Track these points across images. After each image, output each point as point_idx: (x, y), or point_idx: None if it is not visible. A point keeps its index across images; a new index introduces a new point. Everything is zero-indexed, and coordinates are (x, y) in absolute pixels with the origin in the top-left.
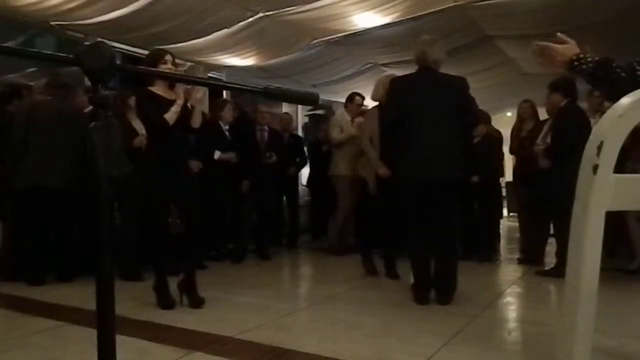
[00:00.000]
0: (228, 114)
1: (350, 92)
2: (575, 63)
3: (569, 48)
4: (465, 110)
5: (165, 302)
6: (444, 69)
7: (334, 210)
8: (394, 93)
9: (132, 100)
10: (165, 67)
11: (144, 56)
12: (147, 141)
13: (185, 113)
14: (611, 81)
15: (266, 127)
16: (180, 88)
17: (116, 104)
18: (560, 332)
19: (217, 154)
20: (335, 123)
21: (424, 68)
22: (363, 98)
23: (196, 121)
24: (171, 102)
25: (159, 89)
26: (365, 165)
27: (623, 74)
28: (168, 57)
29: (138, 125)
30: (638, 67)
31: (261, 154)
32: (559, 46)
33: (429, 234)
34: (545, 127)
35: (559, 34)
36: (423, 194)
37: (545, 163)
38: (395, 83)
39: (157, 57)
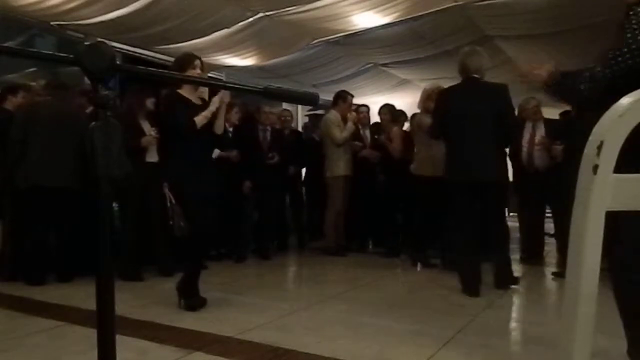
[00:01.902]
0: (234, 116)
1: (340, 90)
2: (546, 85)
3: (539, 74)
4: (505, 117)
5: (194, 302)
6: (444, 68)
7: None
8: (439, 103)
9: (149, 102)
10: (195, 72)
11: (144, 56)
12: (156, 142)
13: (211, 118)
14: (572, 87)
15: (269, 128)
16: (217, 96)
17: (132, 102)
18: (560, 332)
19: (215, 153)
20: (334, 123)
21: (467, 78)
22: (352, 97)
23: (219, 127)
24: (197, 106)
25: (185, 91)
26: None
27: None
28: (197, 63)
29: (146, 127)
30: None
31: (264, 154)
32: (530, 71)
33: (473, 232)
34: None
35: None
36: (468, 194)
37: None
38: (441, 94)
39: (187, 62)
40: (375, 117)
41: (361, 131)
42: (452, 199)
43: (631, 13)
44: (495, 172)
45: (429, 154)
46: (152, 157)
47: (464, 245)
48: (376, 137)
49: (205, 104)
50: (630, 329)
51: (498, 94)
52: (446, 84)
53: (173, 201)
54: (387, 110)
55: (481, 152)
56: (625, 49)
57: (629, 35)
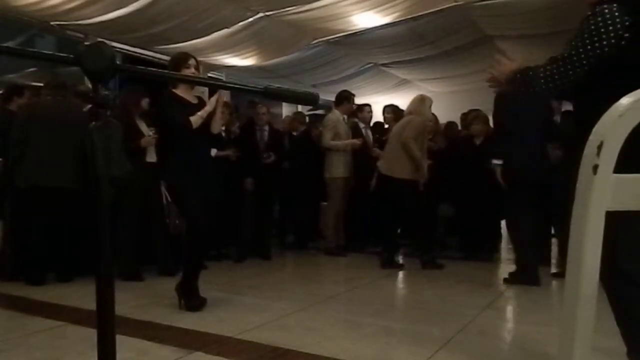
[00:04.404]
0: (234, 125)
1: (343, 90)
2: (511, 78)
3: (507, 66)
4: (551, 124)
5: (194, 302)
6: (444, 68)
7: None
8: (503, 107)
9: (144, 102)
10: (189, 72)
11: (144, 56)
12: (155, 142)
13: (207, 118)
14: (530, 85)
15: (266, 127)
16: (214, 96)
17: (127, 103)
18: (560, 332)
19: (213, 152)
20: (329, 126)
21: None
22: (354, 97)
23: (216, 127)
24: (193, 105)
25: (181, 91)
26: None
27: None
28: (192, 62)
29: (143, 127)
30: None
31: (260, 153)
32: (502, 62)
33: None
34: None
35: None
36: (526, 192)
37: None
38: (502, 98)
39: (181, 61)
40: (376, 117)
41: (364, 130)
42: (510, 197)
43: (589, 14)
44: (542, 172)
45: (408, 156)
46: (151, 157)
47: (524, 240)
48: (378, 136)
49: (201, 103)
50: None
51: (545, 104)
52: (446, 84)
53: (169, 199)
54: (391, 110)
55: (537, 153)
56: (581, 50)
57: (585, 35)
